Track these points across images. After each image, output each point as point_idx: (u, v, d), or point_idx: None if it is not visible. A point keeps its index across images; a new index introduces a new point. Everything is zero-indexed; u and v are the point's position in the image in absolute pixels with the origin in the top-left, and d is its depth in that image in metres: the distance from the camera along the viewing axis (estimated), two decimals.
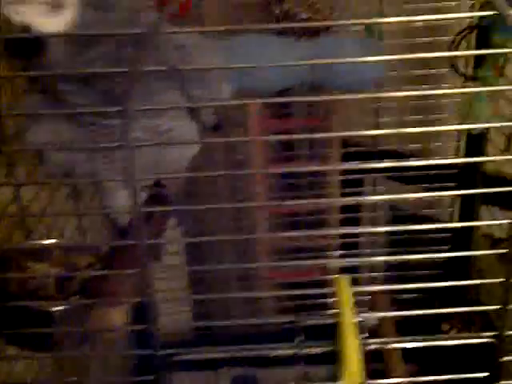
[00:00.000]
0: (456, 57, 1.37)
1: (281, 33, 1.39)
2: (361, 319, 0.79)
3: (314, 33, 1.38)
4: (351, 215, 1.80)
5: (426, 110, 1.62)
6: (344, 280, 0.80)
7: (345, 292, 0.78)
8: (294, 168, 0.87)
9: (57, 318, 0.92)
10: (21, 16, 0.70)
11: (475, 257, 1.41)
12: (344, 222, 1.81)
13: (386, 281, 1.81)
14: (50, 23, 0.71)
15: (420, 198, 0.78)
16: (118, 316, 0.88)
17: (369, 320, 0.82)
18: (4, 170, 1.10)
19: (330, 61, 0.72)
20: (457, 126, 1.55)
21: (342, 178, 1.77)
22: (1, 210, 1.08)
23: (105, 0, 0.77)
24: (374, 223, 1.88)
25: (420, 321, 0.84)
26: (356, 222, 1.89)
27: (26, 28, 0.71)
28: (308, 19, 1.38)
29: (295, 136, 0.79)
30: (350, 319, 0.75)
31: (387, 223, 1.90)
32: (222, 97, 0.95)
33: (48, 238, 1.14)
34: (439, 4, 1.56)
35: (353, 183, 1.73)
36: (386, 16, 1.46)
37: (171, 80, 0.86)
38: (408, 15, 0.70)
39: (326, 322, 0.81)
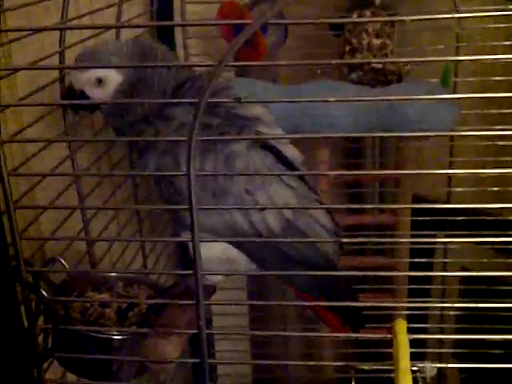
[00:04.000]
0: None
1: (356, 82, 1.40)
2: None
3: (388, 82, 1.38)
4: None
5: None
6: (402, 324, 0.77)
7: (402, 336, 0.75)
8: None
9: (116, 346, 0.93)
10: (77, 84, 0.95)
11: None
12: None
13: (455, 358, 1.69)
14: (97, 92, 0.95)
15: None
16: (171, 348, 0.88)
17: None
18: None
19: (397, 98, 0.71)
20: None
21: (412, 240, 1.67)
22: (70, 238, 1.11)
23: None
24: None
25: None
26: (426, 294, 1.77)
27: (82, 93, 0.95)
28: (381, 69, 1.38)
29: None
30: (406, 363, 0.71)
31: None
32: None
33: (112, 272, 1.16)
34: None
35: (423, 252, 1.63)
36: (460, 70, 1.44)
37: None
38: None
39: (382, 367, 0.77)
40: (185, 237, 0.92)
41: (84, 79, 0.95)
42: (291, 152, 1.00)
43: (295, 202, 0.97)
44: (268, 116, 1.00)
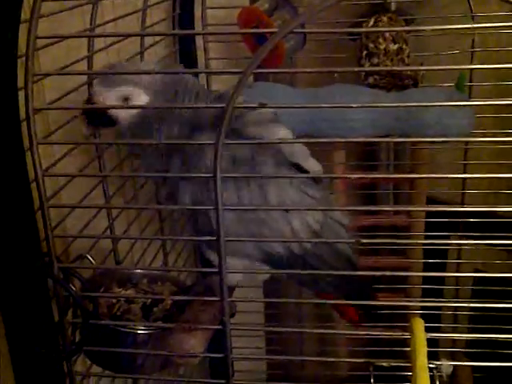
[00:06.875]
0: None
1: (372, 86, 1.43)
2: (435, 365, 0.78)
3: (403, 87, 1.40)
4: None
5: None
6: (420, 322, 0.80)
7: (420, 334, 0.78)
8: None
9: (142, 340, 0.97)
10: (101, 102, 0.93)
11: None
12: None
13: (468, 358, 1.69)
14: (121, 111, 0.95)
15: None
16: (195, 342, 0.91)
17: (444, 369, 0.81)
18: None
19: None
20: None
21: (425, 242, 1.69)
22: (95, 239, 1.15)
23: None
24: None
25: None
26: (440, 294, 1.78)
27: (104, 110, 0.95)
28: (398, 73, 1.40)
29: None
30: (423, 360, 0.74)
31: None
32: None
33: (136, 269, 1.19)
34: None
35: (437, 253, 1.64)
36: (475, 74, 1.47)
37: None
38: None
39: (400, 364, 0.80)
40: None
41: (110, 97, 0.93)
42: (312, 165, 1.02)
43: (321, 214, 0.99)
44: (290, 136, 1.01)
